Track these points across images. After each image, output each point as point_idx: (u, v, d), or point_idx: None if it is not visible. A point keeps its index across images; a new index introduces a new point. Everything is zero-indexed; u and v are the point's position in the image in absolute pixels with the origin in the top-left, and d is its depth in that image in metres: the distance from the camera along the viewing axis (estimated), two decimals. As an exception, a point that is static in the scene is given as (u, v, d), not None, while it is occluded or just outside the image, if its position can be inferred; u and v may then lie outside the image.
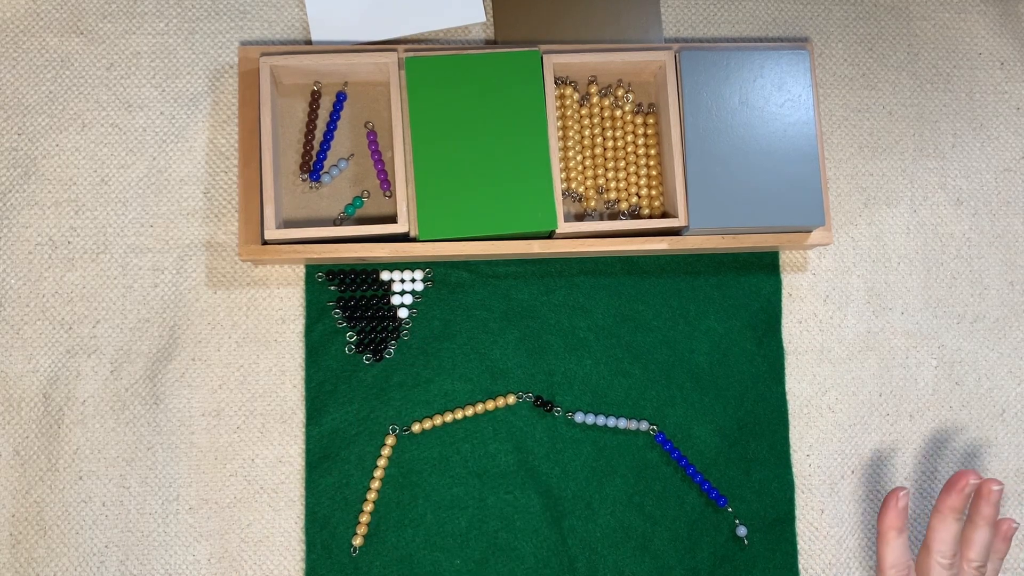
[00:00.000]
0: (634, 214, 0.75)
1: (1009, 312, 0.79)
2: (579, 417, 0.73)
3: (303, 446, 0.72)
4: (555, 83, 0.74)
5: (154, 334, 0.72)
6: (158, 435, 0.71)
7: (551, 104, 0.71)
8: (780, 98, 0.72)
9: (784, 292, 0.77)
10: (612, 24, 0.77)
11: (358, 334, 0.73)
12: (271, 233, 0.68)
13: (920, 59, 0.81)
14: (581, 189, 0.75)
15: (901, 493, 0.68)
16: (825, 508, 0.75)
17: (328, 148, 0.74)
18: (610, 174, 0.75)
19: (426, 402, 0.73)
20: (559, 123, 0.74)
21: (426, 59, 0.70)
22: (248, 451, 0.72)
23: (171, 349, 0.72)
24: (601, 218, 0.75)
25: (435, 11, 0.76)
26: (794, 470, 0.75)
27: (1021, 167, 0.81)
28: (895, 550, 0.67)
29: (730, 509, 0.74)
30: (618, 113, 0.76)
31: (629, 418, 0.74)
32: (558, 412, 0.73)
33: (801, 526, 0.74)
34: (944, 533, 0.66)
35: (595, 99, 0.75)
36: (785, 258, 0.77)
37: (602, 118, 0.75)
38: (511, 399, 0.73)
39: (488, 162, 0.70)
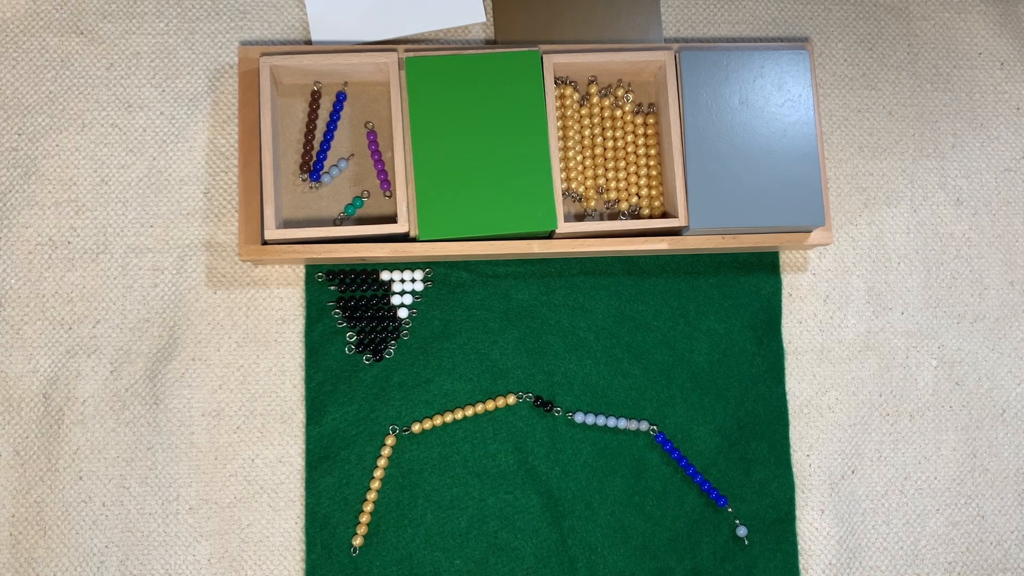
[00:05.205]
0: (634, 214, 0.75)
1: (1009, 312, 0.79)
2: (579, 417, 0.73)
3: (303, 446, 0.72)
4: (555, 83, 0.74)
5: (154, 334, 0.72)
6: (158, 435, 0.71)
7: (551, 104, 0.71)
8: (780, 98, 0.72)
9: (784, 292, 0.77)
10: (612, 24, 0.77)
11: (358, 334, 0.73)
12: (271, 233, 0.68)
13: (920, 59, 0.81)
14: (581, 189, 0.75)
15: None
16: (825, 508, 0.75)
17: (328, 148, 0.74)
18: (610, 174, 0.75)
19: (426, 402, 0.73)
20: (559, 123, 0.74)
21: (426, 59, 0.70)
22: (248, 451, 0.72)
23: (171, 349, 0.72)
24: (601, 218, 0.75)
25: (435, 11, 0.75)
26: (794, 470, 0.75)
27: (1021, 167, 0.81)
28: None
29: (730, 509, 0.74)
30: (618, 113, 0.75)
31: (629, 418, 0.74)
32: (558, 412, 0.73)
33: (801, 526, 0.74)
34: None
35: (595, 99, 0.75)
36: (785, 258, 0.77)
37: (602, 118, 0.75)
38: (511, 399, 0.73)
39: (488, 162, 0.70)
